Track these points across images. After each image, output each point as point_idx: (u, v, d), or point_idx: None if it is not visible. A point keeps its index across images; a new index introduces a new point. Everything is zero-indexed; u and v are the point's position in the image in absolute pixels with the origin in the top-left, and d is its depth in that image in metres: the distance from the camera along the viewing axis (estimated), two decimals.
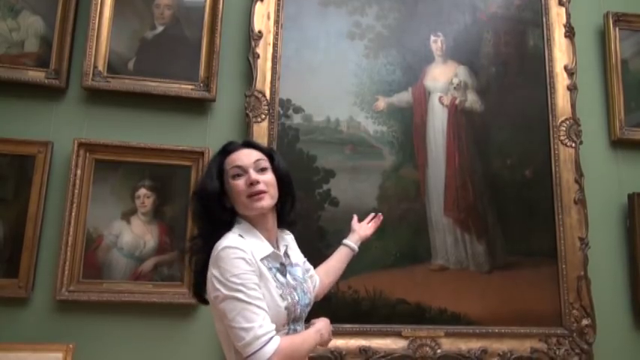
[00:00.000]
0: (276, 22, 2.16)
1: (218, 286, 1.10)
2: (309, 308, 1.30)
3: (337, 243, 2.04)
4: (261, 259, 1.16)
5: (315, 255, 2.02)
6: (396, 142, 2.17)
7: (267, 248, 1.21)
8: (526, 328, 2.09)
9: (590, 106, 2.38)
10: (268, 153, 1.31)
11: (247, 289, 1.09)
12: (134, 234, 1.99)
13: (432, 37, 2.29)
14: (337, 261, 1.62)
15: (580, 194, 2.22)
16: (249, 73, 2.13)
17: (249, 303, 1.09)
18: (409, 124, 2.20)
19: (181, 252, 1.98)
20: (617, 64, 2.39)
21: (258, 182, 1.21)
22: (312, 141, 2.12)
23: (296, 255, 1.38)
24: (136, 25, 2.12)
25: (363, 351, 1.98)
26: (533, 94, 2.31)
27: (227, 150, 1.28)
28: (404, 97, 2.22)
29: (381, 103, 2.19)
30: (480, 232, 2.16)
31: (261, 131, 2.07)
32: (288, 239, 1.37)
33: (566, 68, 2.32)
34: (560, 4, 2.38)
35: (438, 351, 2.02)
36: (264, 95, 2.10)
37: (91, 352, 1.86)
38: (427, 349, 2.02)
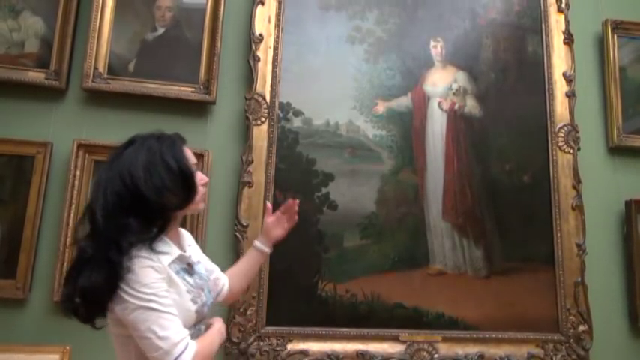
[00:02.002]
0: (277, 25, 2.17)
1: (127, 297, 1.06)
2: (212, 306, 1.29)
3: (336, 246, 2.07)
4: (170, 264, 1.13)
5: (314, 259, 2.05)
6: (395, 147, 2.18)
7: (174, 251, 1.17)
8: (523, 333, 2.10)
9: (588, 112, 2.39)
10: None
11: (159, 297, 1.07)
12: None
13: (432, 42, 2.30)
14: (247, 264, 1.54)
15: (578, 200, 2.23)
16: (249, 76, 2.13)
17: (163, 311, 1.06)
18: (408, 129, 2.20)
19: None
20: (615, 71, 2.40)
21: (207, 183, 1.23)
22: (312, 144, 2.13)
23: (196, 252, 1.35)
24: (136, 27, 2.12)
25: (361, 355, 1.99)
26: (531, 100, 2.32)
27: (181, 143, 1.24)
28: (403, 101, 2.22)
29: (381, 107, 2.20)
30: (478, 236, 2.17)
31: (260, 134, 2.08)
32: (189, 236, 1.36)
33: (564, 75, 2.33)
34: (559, 11, 2.40)
35: (435, 355, 2.03)
36: (264, 98, 2.10)
37: (88, 354, 1.85)
38: (424, 353, 2.02)
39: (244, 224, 1.99)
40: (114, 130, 2.04)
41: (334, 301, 2.02)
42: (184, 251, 1.23)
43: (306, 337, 1.97)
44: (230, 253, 2.01)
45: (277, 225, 1.54)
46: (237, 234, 1.99)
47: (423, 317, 2.06)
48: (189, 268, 1.22)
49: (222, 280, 1.44)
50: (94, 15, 2.05)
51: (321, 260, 2.05)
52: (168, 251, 1.15)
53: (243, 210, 2.01)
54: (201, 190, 1.23)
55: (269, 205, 1.58)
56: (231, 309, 1.95)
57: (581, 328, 2.13)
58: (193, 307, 1.15)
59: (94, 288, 1.06)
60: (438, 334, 2.05)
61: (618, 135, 2.35)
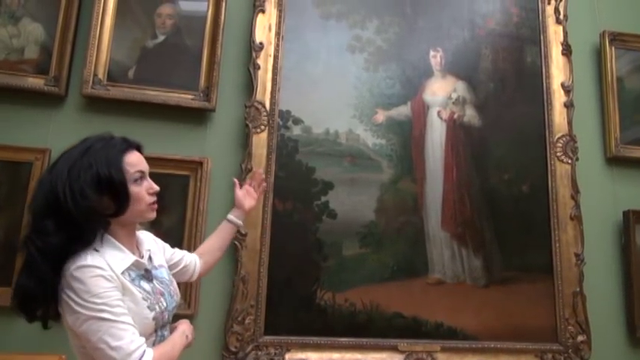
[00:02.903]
0: (277, 33, 2.17)
1: (77, 308, 1.03)
2: (175, 310, 1.26)
3: (335, 255, 2.06)
4: (122, 272, 1.10)
5: (312, 267, 2.04)
6: (394, 156, 2.18)
7: (129, 258, 1.14)
8: (522, 343, 2.09)
9: (587, 123, 2.40)
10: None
11: (111, 307, 1.04)
12: None
13: (432, 52, 2.31)
14: (220, 238, 1.60)
15: (576, 210, 2.23)
16: (249, 84, 2.13)
17: (115, 321, 1.04)
18: (408, 138, 2.21)
19: None
20: (613, 82, 2.42)
21: (158, 192, 1.21)
22: (311, 152, 2.12)
23: (159, 256, 1.33)
24: (137, 34, 2.12)
25: None
26: (530, 110, 2.33)
27: (125, 148, 1.18)
28: (403, 110, 2.23)
29: (380, 116, 2.21)
30: (477, 246, 2.17)
31: (260, 142, 2.08)
32: (149, 240, 1.33)
33: (563, 85, 2.35)
34: (558, 22, 2.42)
35: None
36: (264, 106, 2.10)
37: None
38: None
39: (243, 232, 1.98)
40: None
41: (333, 311, 2.01)
42: (141, 257, 1.21)
43: (304, 347, 1.96)
44: (229, 262, 2.00)
45: (247, 196, 1.63)
46: (236, 242, 1.98)
47: (421, 327, 2.05)
48: (146, 274, 1.19)
49: (192, 264, 1.51)
50: (94, 22, 2.05)
51: (320, 269, 2.04)
52: (121, 258, 1.13)
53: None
54: (147, 198, 1.18)
55: (235, 179, 1.67)
56: (228, 318, 1.93)
57: (580, 338, 2.13)
58: (151, 315, 1.12)
59: (23, 289, 1.06)
60: (437, 344, 2.04)
61: (616, 145, 2.36)
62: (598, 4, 2.54)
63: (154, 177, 1.99)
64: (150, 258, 1.27)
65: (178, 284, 1.35)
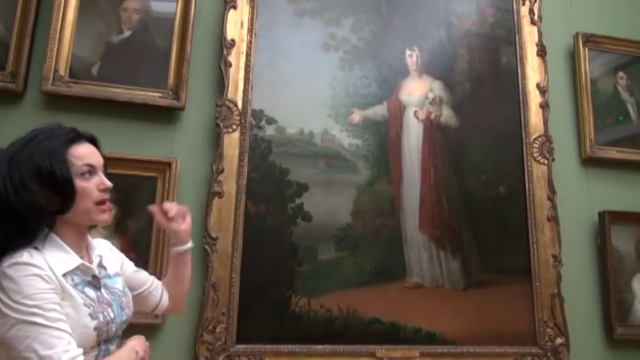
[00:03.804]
0: (250, 30, 2.10)
1: (6, 310, 0.92)
2: (126, 325, 1.16)
3: (310, 259, 1.99)
4: (64, 275, 1.00)
5: (287, 272, 1.96)
6: (371, 156, 2.12)
7: (74, 261, 1.04)
8: (501, 347, 2.05)
9: (562, 124, 2.40)
10: (105, 158, 1.18)
11: (45, 310, 0.93)
12: None
13: (408, 52, 2.27)
14: (172, 270, 1.42)
15: (553, 211, 2.22)
16: (220, 82, 2.05)
17: (49, 326, 0.93)
18: (384, 138, 2.16)
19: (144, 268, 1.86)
20: (587, 84, 2.42)
21: (110, 189, 1.10)
22: (285, 153, 2.05)
23: (114, 265, 1.22)
24: (101, 29, 2.02)
25: None
26: (506, 110, 2.31)
27: (71, 139, 1.08)
28: (379, 110, 2.18)
29: (356, 116, 2.15)
30: (455, 248, 2.13)
31: (232, 142, 1.99)
32: (104, 248, 1.24)
33: (538, 86, 2.34)
34: (532, 23, 2.41)
35: None
36: (235, 105, 2.02)
37: None
38: None
39: (214, 236, 1.89)
40: None
41: (308, 317, 1.93)
42: (90, 262, 1.11)
43: (278, 356, 1.88)
44: (199, 267, 1.90)
45: (177, 221, 1.34)
46: (206, 247, 1.89)
47: (400, 332, 2.00)
48: (94, 281, 1.09)
49: (158, 292, 1.36)
50: (55, 15, 1.93)
51: (295, 274, 1.96)
52: (65, 260, 1.03)
53: (212, 221, 1.91)
54: (95, 195, 1.07)
55: (152, 208, 1.35)
56: (198, 326, 1.84)
57: (559, 340, 2.10)
58: (92, 324, 1.01)
59: None
60: (416, 350, 1.98)
61: (591, 146, 2.36)
62: (572, 5, 2.55)
63: (118, 179, 1.90)
64: (101, 265, 1.16)
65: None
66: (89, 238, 1.17)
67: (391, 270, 2.05)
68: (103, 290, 1.10)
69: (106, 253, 1.23)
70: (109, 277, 1.16)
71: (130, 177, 1.92)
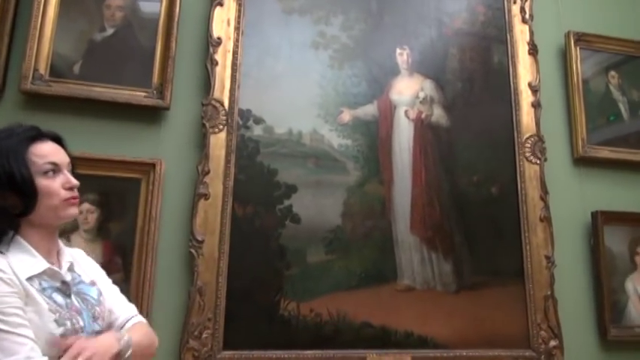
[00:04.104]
0: (237, 28, 2.05)
1: None
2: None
3: (299, 263, 1.94)
4: (29, 278, 0.96)
5: (275, 276, 1.91)
6: (361, 157, 2.08)
7: (40, 265, 1.00)
8: (494, 350, 2.01)
9: (554, 123, 2.37)
10: (72, 158, 1.13)
11: (5, 315, 0.89)
12: None
13: (398, 50, 2.23)
14: None
15: (545, 212, 2.19)
16: (206, 81, 2.00)
17: (9, 332, 0.88)
18: (374, 138, 2.12)
19: (128, 273, 1.81)
20: (579, 83, 2.40)
21: (77, 187, 1.07)
22: (274, 154, 2.00)
23: (89, 273, 1.17)
24: (83, 26, 1.96)
25: None
26: (498, 109, 2.28)
27: (32, 137, 1.05)
28: (369, 110, 2.14)
29: (346, 115, 2.11)
30: (446, 250, 2.09)
31: (218, 142, 1.94)
32: (77, 255, 1.19)
33: (530, 85, 2.31)
34: (524, 21, 2.38)
35: None
36: (222, 104, 1.97)
37: None
38: None
39: (200, 239, 1.84)
40: None
41: (297, 322, 1.88)
42: (60, 268, 1.06)
43: None
44: (184, 271, 1.86)
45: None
46: (192, 250, 1.84)
47: (391, 336, 1.95)
48: (63, 287, 1.03)
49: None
50: (34, 11, 1.87)
51: (283, 278, 1.91)
52: (31, 264, 0.98)
53: (198, 224, 1.86)
54: (62, 194, 1.03)
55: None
56: (184, 332, 1.78)
57: (552, 343, 2.07)
58: (58, 330, 0.96)
59: None
60: (407, 354, 1.94)
61: (583, 146, 2.33)
62: (563, 4, 2.53)
63: (101, 180, 1.86)
64: (73, 270, 1.11)
65: None
66: (60, 243, 1.12)
67: (382, 273, 2.01)
68: (73, 297, 1.05)
69: (81, 260, 1.17)
70: (84, 283, 1.11)
71: (112, 179, 1.86)
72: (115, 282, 1.76)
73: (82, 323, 1.02)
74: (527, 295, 2.09)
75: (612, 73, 2.49)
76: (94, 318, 1.07)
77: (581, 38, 2.45)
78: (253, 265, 1.90)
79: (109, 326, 1.12)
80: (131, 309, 1.22)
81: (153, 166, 1.87)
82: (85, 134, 1.90)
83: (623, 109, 2.48)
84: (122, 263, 1.83)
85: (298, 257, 1.94)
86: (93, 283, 1.14)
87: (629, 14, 2.63)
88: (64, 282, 1.05)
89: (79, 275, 1.12)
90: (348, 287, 1.97)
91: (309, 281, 1.94)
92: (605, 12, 2.58)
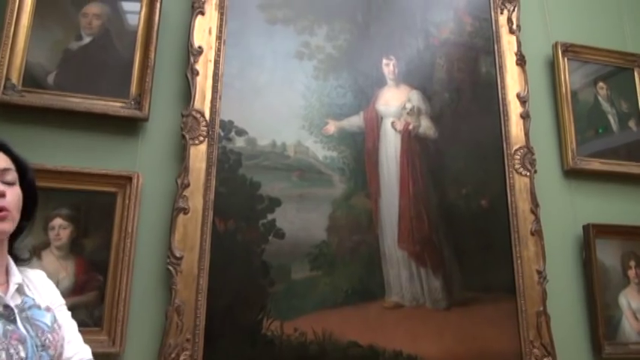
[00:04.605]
0: (219, 37, 1.99)
1: None
2: None
3: (283, 279, 1.86)
4: None
5: (257, 294, 1.83)
6: (347, 169, 2.02)
7: None
8: None
9: (543, 134, 2.33)
10: (21, 163, 1.06)
11: None
12: (45, 271, 1.68)
13: (384, 60, 2.18)
14: None
15: (536, 225, 2.14)
16: (186, 91, 1.93)
17: None
18: (361, 150, 2.06)
19: (102, 292, 1.72)
20: (568, 94, 2.37)
21: (3, 196, 0.97)
22: (256, 166, 1.94)
23: (45, 298, 1.08)
24: (58, 35, 1.89)
25: None
26: (487, 121, 2.24)
27: None
28: (355, 121, 2.08)
29: (331, 127, 2.05)
30: (436, 265, 2.02)
31: (198, 155, 1.87)
32: (32, 277, 1.10)
33: (518, 96, 2.27)
34: (511, 32, 2.36)
35: None
36: (203, 115, 1.90)
37: None
38: None
39: (178, 256, 1.76)
40: (28, 149, 1.68)
41: (281, 342, 1.79)
42: (5, 290, 0.98)
43: None
44: (161, 290, 1.77)
45: None
46: (169, 267, 1.75)
47: (379, 356, 1.86)
48: (5, 311, 0.95)
49: None
50: (7, 20, 1.80)
51: (266, 295, 1.83)
52: None
53: (177, 240, 1.77)
54: None
55: None
56: (160, 355, 1.69)
57: None
58: None
59: None
60: None
61: (573, 158, 2.29)
62: (550, 14, 2.51)
63: (74, 194, 1.77)
64: (23, 293, 1.02)
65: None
66: (11, 263, 1.04)
67: (369, 289, 1.93)
68: (20, 323, 0.96)
69: (38, 283, 1.09)
70: (37, 308, 1.02)
71: (87, 193, 1.78)
72: (87, 302, 1.73)
73: (23, 354, 0.93)
74: (519, 312, 2.03)
75: (601, 84, 2.46)
76: (44, 347, 0.98)
77: (569, 49, 2.42)
78: (235, 282, 1.81)
79: (60, 356, 1.04)
80: (86, 351, 1.13)
81: (129, 179, 1.79)
82: (59, 146, 1.83)
83: (612, 120, 2.45)
84: (96, 281, 1.74)
85: (282, 274, 1.87)
86: (48, 309, 1.05)
87: (617, 26, 2.63)
88: (6, 306, 0.96)
89: (32, 299, 1.03)
90: (334, 305, 1.89)
91: (293, 299, 1.86)
92: (592, 23, 2.57)
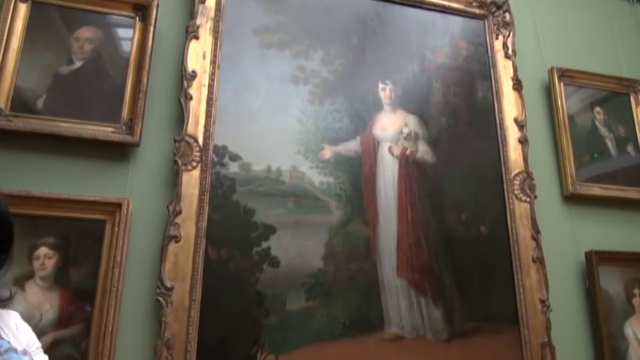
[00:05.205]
0: (213, 62, 1.97)
1: None
2: None
3: (278, 310, 1.79)
4: None
5: (251, 326, 1.75)
6: (343, 195, 1.97)
7: None
8: None
9: (541, 159, 2.31)
10: None
11: None
12: (28, 303, 1.62)
13: (380, 85, 2.16)
14: None
15: (538, 252, 2.09)
16: (179, 116, 1.89)
17: None
18: (358, 176, 2.01)
19: (88, 324, 1.64)
20: (565, 119, 2.35)
21: None
22: (251, 192, 1.88)
23: (21, 341, 1.02)
24: (49, 59, 1.85)
25: None
26: (485, 145, 2.21)
27: None
28: (352, 146, 2.05)
29: (327, 152, 2.01)
30: (436, 294, 1.95)
31: (191, 181, 1.82)
32: (7, 318, 1.04)
33: (516, 121, 2.25)
34: (507, 57, 2.35)
35: None
36: (196, 141, 1.86)
37: None
38: None
39: (169, 286, 1.68)
40: (16, 175, 1.72)
41: None
42: None
43: None
44: (151, 322, 1.69)
45: None
46: (159, 298, 1.67)
47: None
48: None
49: None
50: None
51: (261, 327, 1.75)
52: None
53: (167, 269, 1.70)
54: None
55: None
56: None
57: None
58: None
59: None
60: None
61: (572, 183, 2.26)
62: (545, 39, 2.52)
63: (61, 222, 1.70)
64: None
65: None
66: None
67: (368, 320, 1.86)
68: None
69: (13, 325, 1.02)
70: (13, 351, 0.95)
71: (74, 220, 1.71)
72: (72, 335, 1.65)
73: None
74: (523, 343, 1.96)
75: (598, 109, 2.45)
76: None
77: (565, 74, 2.42)
78: (228, 313, 1.74)
79: None
80: None
81: (119, 206, 1.73)
82: (48, 172, 1.77)
83: (610, 145, 2.43)
84: (82, 313, 1.66)
85: (277, 304, 1.79)
86: (25, 352, 0.98)
87: (611, 51, 2.64)
88: None
89: (8, 342, 0.96)
90: (331, 337, 1.81)
91: (288, 331, 1.78)
92: (586, 48, 2.59)
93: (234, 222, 1.83)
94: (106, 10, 1.95)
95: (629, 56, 2.66)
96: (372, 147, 2.08)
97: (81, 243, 1.71)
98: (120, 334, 1.64)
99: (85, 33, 1.91)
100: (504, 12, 2.42)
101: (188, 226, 1.77)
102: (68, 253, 1.69)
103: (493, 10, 2.41)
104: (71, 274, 1.68)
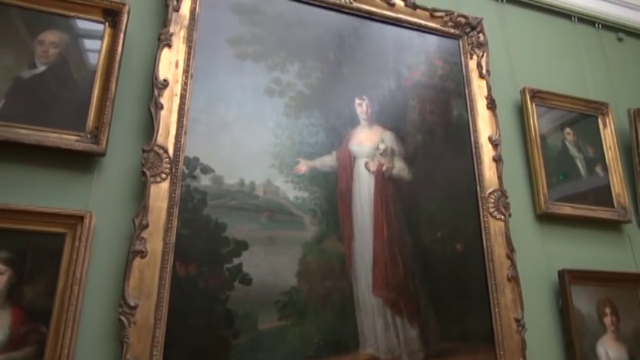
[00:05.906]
0: (186, 71, 1.90)
1: None
2: None
3: (248, 330, 1.70)
4: None
5: (220, 347, 1.65)
6: (319, 210, 1.91)
7: None
8: None
9: (515, 178, 2.32)
10: None
11: None
12: None
13: (357, 100, 2.14)
14: None
15: (513, 271, 2.07)
16: (148, 126, 1.81)
17: None
18: (333, 191, 1.97)
19: (41, 347, 1.51)
20: (537, 139, 2.38)
21: None
22: (222, 206, 1.81)
23: None
24: (8, 61, 1.75)
25: None
26: (460, 163, 2.21)
27: None
28: (328, 160, 2.00)
29: (303, 166, 1.96)
30: (412, 314, 1.91)
31: (160, 193, 1.73)
32: None
33: (490, 139, 2.27)
34: (481, 76, 2.38)
35: None
36: (166, 151, 1.78)
37: None
38: None
39: (132, 304, 1.58)
40: None
41: None
42: None
43: None
44: (112, 343, 1.58)
45: None
46: (122, 317, 1.56)
47: None
48: None
49: None
50: None
51: (230, 348, 1.66)
52: None
53: (131, 286, 1.60)
54: None
55: None
56: None
57: None
58: None
59: None
60: None
61: (545, 202, 2.28)
62: (517, 61, 2.57)
63: (14, 235, 1.58)
64: None
65: None
66: None
67: (342, 340, 1.79)
68: None
69: None
70: None
71: (31, 233, 1.59)
72: (25, 357, 1.52)
73: None
74: None
75: (568, 129, 2.50)
76: None
77: (537, 95, 2.46)
78: (195, 333, 1.64)
79: None
80: None
81: (81, 218, 1.62)
82: (4, 182, 1.66)
83: (580, 165, 2.47)
84: (36, 334, 1.53)
85: (248, 324, 1.71)
86: None
87: (579, 74, 2.71)
88: None
89: None
90: (305, 358, 1.73)
91: (259, 352, 1.69)
92: (557, 70, 2.65)
93: (204, 237, 1.75)
94: (73, 14, 1.86)
95: (596, 79, 2.74)
96: (348, 162, 2.04)
97: (38, 258, 1.59)
98: (77, 357, 1.52)
99: (50, 37, 1.82)
100: (478, 33, 2.45)
101: (155, 240, 1.67)
102: (23, 268, 1.57)
103: (468, 31, 2.45)
104: (25, 292, 1.56)
